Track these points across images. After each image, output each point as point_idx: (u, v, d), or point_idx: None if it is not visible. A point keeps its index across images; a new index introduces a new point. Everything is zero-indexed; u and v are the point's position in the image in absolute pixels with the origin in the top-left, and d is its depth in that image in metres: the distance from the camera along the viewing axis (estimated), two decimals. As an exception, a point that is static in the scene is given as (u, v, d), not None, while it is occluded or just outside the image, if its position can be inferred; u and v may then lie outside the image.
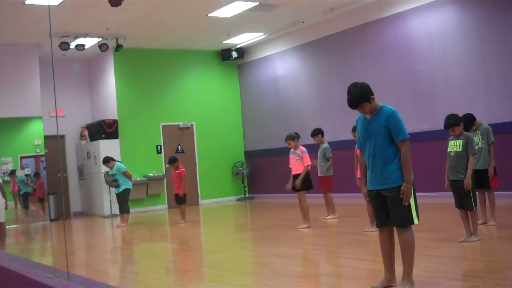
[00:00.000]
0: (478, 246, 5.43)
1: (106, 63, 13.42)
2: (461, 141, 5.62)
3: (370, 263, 5.19)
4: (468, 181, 5.53)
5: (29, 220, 13.05)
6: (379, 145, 3.89)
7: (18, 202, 12.92)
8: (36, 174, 13.09)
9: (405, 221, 3.84)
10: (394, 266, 4.03)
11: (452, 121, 5.68)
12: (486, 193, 6.56)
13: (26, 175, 12.89)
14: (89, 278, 5.30)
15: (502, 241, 5.74)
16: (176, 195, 10.04)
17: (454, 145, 5.67)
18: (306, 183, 7.89)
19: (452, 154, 5.67)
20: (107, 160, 10.46)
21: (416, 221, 3.85)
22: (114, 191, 10.90)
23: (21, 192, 12.76)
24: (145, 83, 13.48)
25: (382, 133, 3.88)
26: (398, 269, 4.02)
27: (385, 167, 3.87)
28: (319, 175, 8.57)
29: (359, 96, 3.94)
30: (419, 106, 10.23)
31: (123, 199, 10.32)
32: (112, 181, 10.56)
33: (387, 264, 4.01)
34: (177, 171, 10.02)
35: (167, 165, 13.47)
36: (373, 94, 3.96)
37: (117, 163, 10.46)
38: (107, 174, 11.74)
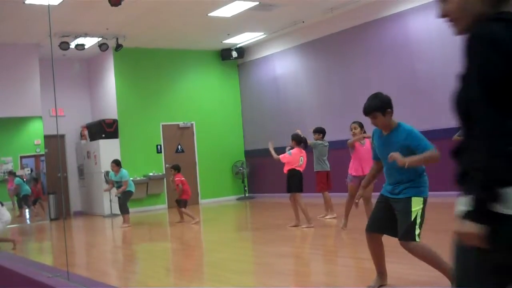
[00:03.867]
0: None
1: (106, 62, 13.42)
2: None
3: (369, 263, 5.19)
4: None
5: (29, 219, 13.04)
6: (396, 164, 3.76)
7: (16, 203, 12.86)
8: (34, 180, 13.02)
9: (406, 235, 3.73)
10: (385, 265, 4.06)
11: None
12: None
13: (24, 179, 12.78)
14: (89, 277, 5.30)
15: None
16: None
17: None
18: (298, 184, 7.99)
19: None
20: (118, 163, 10.38)
21: (418, 238, 3.72)
22: (114, 190, 10.85)
23: (20, 195, 12.69)
24: (145, 83, 13.48)
25: (398, 151, 3.74)
26: (390, 267, 4.03)
27: (401, 183, 3.82)
28: (315, 170, 8.70)
29: (374, 104, 3.86)
30: (419, 106, 10.23)
31: (123, 200, 10.29)
32: (117, 188, 10.45)
33: (377, 265, 4.05)
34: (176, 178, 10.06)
35: (167, 165, 13.49)
36: (390, 108, 3.87)
37: (123, 171, 10.37)
38: (107, 173, 11.73)
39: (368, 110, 3.89)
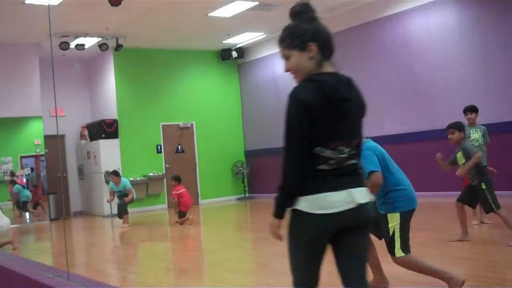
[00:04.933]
0: (478, 245, 5.43)
1: (106, 62, 13.42)
2: (460, 152, 5.47)
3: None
4: (463, 170, 5.41)
5: (29, 220, 13.03)
6: None
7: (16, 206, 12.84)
8: (34, 186, 12.97)
9: (388, 250, 3.81)
10: (380, 267, 4.04)
11: (458, 124, 5.57)
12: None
13: (23, 186, 12.76)
14: (89, 277, 5.30)
15: (501, 241, 5.73)
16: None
17: (460, 157, 5.54)
18: None
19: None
20: (117, 174, 10.38)
21: (399, 253, 3.72)
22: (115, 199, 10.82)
23: (20, 201, 12.67)
24: (145, 83, 13.48)
25: None
26: (392, 268, 4.02)
27: (377, 198, 3.82)
28: None
29: None
30: (419, 106, 10.22)
31: (123, 205, 10.27)
32: (119, 197, 10.43)
33: (372, 267, 4.02)
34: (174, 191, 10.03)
35: (167, 165, 13.49)
36: None
37: (124, 180, 10.38)
38: (107, 173, 11.73)
39: None
